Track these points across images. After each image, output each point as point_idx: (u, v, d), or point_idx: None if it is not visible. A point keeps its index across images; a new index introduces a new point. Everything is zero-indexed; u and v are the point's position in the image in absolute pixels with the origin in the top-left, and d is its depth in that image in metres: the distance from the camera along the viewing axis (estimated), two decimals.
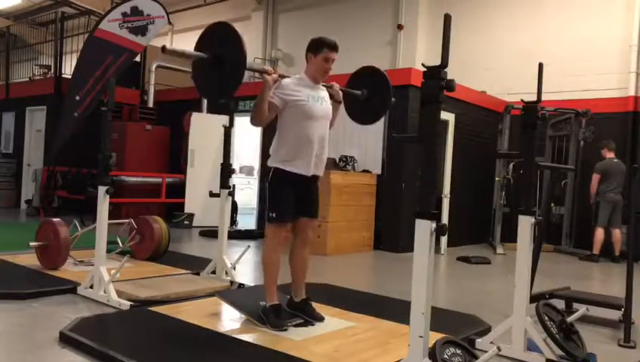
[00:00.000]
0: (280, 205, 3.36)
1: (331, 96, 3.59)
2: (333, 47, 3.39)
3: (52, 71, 11.11)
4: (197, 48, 3.13)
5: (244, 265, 5.61)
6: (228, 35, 3.06)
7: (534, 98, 3.34)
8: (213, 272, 4.81)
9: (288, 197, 3.37)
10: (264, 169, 8.96)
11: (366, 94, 3.80)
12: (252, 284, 4.65)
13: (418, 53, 10.63)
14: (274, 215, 3.36)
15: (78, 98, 8.97)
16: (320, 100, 3.44)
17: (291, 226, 3.48)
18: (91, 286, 4.05)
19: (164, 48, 2.95)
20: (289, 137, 3.37)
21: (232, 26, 3.10)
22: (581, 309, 3.43)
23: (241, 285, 4.61)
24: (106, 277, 3.93)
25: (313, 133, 3.37)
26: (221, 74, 3.05)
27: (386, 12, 11.25)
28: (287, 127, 3.39)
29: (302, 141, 3.35)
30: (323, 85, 3.54)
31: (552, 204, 8.29)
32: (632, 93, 8.52)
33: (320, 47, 3.39)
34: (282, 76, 3.39)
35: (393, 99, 3.75)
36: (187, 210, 9.27)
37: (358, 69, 3.97)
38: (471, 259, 7.09)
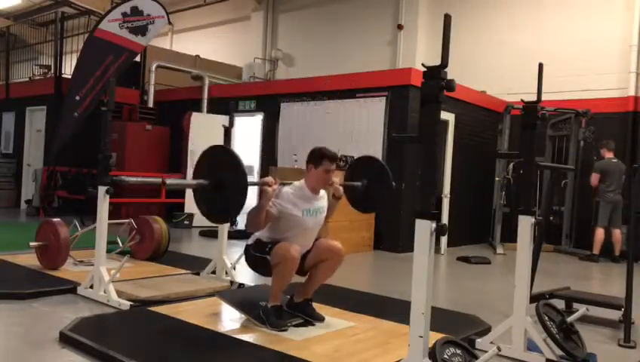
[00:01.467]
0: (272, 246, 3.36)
1: (332, 194, 3.62)
2: (333, 159, 3.44)
3: (52, 71, 11.11)
4: (196, 174, 3.16)
5: (244, 265, 5.58)
6: (228, 159, 3.08)
7: (534, 98, 3.34)
8: (213, 272, 4.81)
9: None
10: (264, 169, 9.02)
11: (366, 184, 3.87)
12: (252, 284, 4.65)
13: (418, 53, 10.63)
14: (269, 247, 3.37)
15: (78, 98, 8.98)
16: (314, 213, 3.47)
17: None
18: (91, 286, 4.05)
19: (163, 183, 3.04)
20: (278, 234, 3.41)
21: (229, 148, 3.19)
22: (581, 309, 3.43)
23: (241, 285, 4.61)
24: (106, 277, 3.93)
25: (302, 238, 3.43)
26: (223, 197, 3.05)
27: (386, 12, 11.25)
28: (279, 226, 3.40)
29: (290, 240, 3.37)
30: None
31: (551, 217, 8.30)
32: (632, 93, 8.52)
33: (321, 160, 3.42)
34: (283, 184, 3.41)
35: (394, 184, 3.82)
36: (187, 210, 9.27)
37: (356, 159, 4.15)
38: (471, 259, 7.09)
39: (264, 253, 3.36)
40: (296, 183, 3.48)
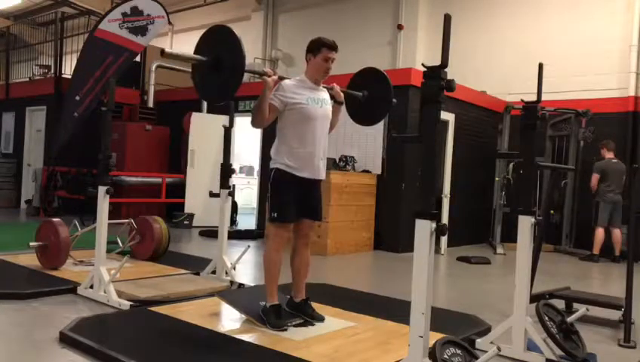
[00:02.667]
0: (282, 206, 3.36)
1: (332, 98, 3.60)
2: (332, 47, 3.41)
3: (52, 71, 11.11)
4: (196, 51, 3.14)
5: (244, 265, 5.61)
6: (227, 38, 3.07)
7: (534, 98, 3.34)
8: (214, 272, 4.81)
9: (290, 199, 3.38)
10: (264, 169, 9.02)
11: (367, 95, 3.80)
12: (252, 284, 4.65)
13: (418, 53, 10.63)
14: (275, 215, 3.36)
15: (78, 98, 8.97)
16: (320, 102, 3.45)
17: (293, 227, 3.48)
18: (91, 286, 4.05)
19: (162, 52, 2.95)
20: (289, 139, 3.39)
21: (230, 28, 3.10)
22: (581, 309, 3.43)
23: (241, 285, 4.61)
24: (106, 277, 3.93)
25: (313, 134, 3.38)
26: (221, 76, 3.05)
27: (386, 12, 11.25)
28: (287, 128, 3.40)
29: (302, 143, 3.36)
30: (324, 86, 3.55)
31: (552, 212, 8.29)
32: (632, 93, 8.51)
33: (319, 48, 3.41)
34: (282, 78, 3.39)
35: (395, 100, 3.76)
36: (187, 210, 9.27)
37: (359, 70, 3.97)
38: (471, 259, 7.09)
39: (270, 215, 3.38)
40: (296, 77, 3.48)
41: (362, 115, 3.91)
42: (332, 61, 3.43)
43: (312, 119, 3.38)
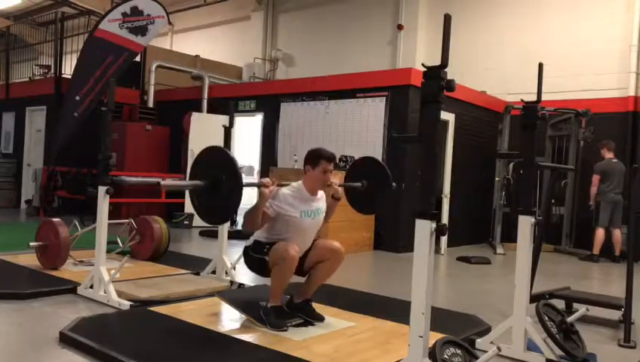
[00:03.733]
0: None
1: (332, 195, 3.62)
2: (331, 160, 3.44)
3: (52, 71, 11.11)
4: (192, 175, 3.17)
5: (244, 265, 5.59)
6: (221, 159, 3.09)
7: (534, 98, 3.34)
8: (214, 272, 4.82)
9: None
10: (264, 169, 9.02)
11: (366, 185, 3.86)
12: (252, 284, 4.65)
13: (418, 53, 10.63)
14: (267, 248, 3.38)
15: (78, 98, 8.97)
16: (313, 214, 3.47)
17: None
18: (91, 286, 4.05)
19: (158, 184, 3.09)
20: (276, 231, 3.41)
21: (223, 149, 3.18)
22: (581, 309, 3.43)
23: (241, 285, 4.61)
24: (106, 277, 3.93)
25: (298, 241, 3.40)
26: (220, 197, 3.05)
27: (386, 12, 11.25)
28: (277, 226, 3.41)
29: (287, 239, 3.37)
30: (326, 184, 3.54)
31: (553, 202, 8.27)
32: (632, 93, 8.51)
33: (318, 161, 3.42)
34: (280, 185, 3.41)
35: (394, 184, 3.81)
36: (187, 210, 9.27)
37: (356, 160, 4.16)
38: (471, 259, 7.09)
39: (262, 254, 3.36)
40: (294, 184, 3.48)
41: (363, 203, 3.98)
42: (331, 172, 3.45)
43: (303, 230, 3.43)
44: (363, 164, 4.02)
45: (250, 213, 3.29)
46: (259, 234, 3.46)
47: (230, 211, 3.10)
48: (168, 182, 3.04)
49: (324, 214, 3.59)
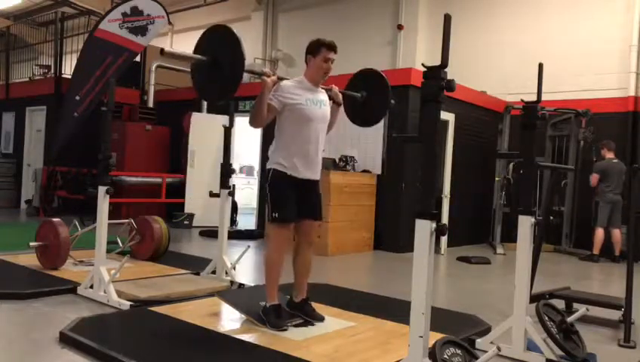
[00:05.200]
0: (281, 205, 3.36)
1: (331, 99, 3.60)
2: (332, 47, 3.41)
3: (52, 71, 11.11)
4: (196, 50, 3.13)
5: (244, 265, 5.61)
6: (227, 38, 3.06)
7: (534, 98, 3.34)
8: (214, 272, 4.81)
9: (289, 198, 3.38)
10: (264, 169, 9.01)
11: (365, 96, 3.80)
12: (252, 284, 4.65)
13: (418, 53, 10.62)
14: (276, 215, 3.36)
15: (78, 98, 8.97)
16: (319, 103, 3.45)
17: (294, 227, 3.48)
18: (91, 286, 4.05)
19: (162, 51, 2.95)
20: (287, 139, 3.40)
21: (230, 28, 3.10)
22: (581, 309, 3.43)
23: (241, 285, 4.61)
24: (106, 277, 3.93)
25: (310, 135, 3.39)
26: (220, 76, 3.05)
27: (386, 12, 11.25)
28: (285, 129, 3.41)
29: (299, 143, 3.37)
30: (322, 88, 3.55)
31: (552, 218, 8.29)
32: (632, 93, 8.51)
33: (318, 48, 3.41)
34: (281, 78, 3.40)
35: (393, 101, 3.76)
36: (187, 210, 9.27)
37: (357, 71, 3.98)
38: (471, 259, 7.09)
39: (271, 215, 3.37)
40: (295, 78, 3.48)
41: (361, 116, 3.91)
42: (332, 62, 3.43)
43: (311, 120, 3.38)
44: (363, 75, 3.93)
45: (255, 107, 3.27)
46: (275, 155, 3.43)
47: (228, 90, 3.07)
48: (172, 50, 3.04)
49: (329, 108, 3.55)
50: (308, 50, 3.45)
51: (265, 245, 3.38)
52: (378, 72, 3.88)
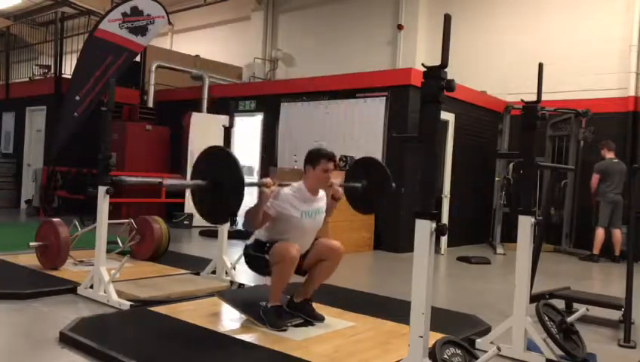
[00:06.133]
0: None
1: (332, 195, 3.62)
2: (330, 159, 3.43)
3: (52, 71, 11.11)
4: (194, 174, 3.17)
5: (244, 265, 5.59)
6: (223, 159, 3.08)
7: (534, 98, 3.34)
8: (214, 272, 4.81)
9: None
10: (264, 169, 9.03)
11: (365, 185, 3.86)
12: (252, 284, 4.65)
13: (418, 53, 10.63)
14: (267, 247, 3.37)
15: (78, 98, 8.97)
16: (314, 214, 3.47)
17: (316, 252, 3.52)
18: (91, 286, 4.05)
19: (161, 183, 3.04)
20: (277, 231, 3.41)
21: (226, 149, 3.18)
22: (581, 309, 3.43)
23: (241, 285, 4.61)
24: (106, 277, 3.93)
25: (299, 241, 3.41)
26: (221, 197, 3.05)
27: (386, 12, 11.25)
28: (278, 226, 3.41)
29: (288, 239, 3.38)
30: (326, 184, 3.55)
31: (552, 212, 8.29)
32: (632, 93, 8.51)
33: (318, 160, 3.41)
34: (281, 185, 3.41)
35: (394, 185, 3.81)
36: (187, 210, 9.27)
37: (356, 160, 4.13)
38: (471, 259, 7.09)
39: (262, 253, 3.36)
40: (294, 184, 3.48)
41: (362, 203, 3.97)
42: (331, 171, 3.44)
43: (303, 230, 3.43)
44: (363, 163, 4.02)
45: (251, 213, 3.29)
46: (260, 233, 3.47)
47: (231, 211, 3.09)
48: (170, 181, 3.03)
49: (324, 214, 3.59)
50: (307, 160, 3.46)
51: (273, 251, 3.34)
52: (376, 159, 4.05)
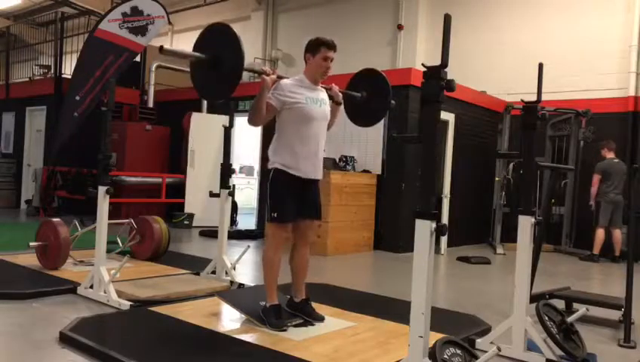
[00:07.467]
0: (281, 205, 3.36)
1: (331, 98, 3.60)
2: (331, 46, 3.40)
3: (52, 71, 11.11)
4: (195, 49, 3.12)
5: (244, 265, 5.61)
6: (226, 36, 3.05)
7: (534, 98, 3.34)
8: (213, 272, 4.81)
9: (289, 198, 3.38)
10: (264, 170, 9.02)
11: (365, 96, 3.80)
12: (252, 284, 4.65)
13: (418, 53, 10.63)
14: (275, 215, 3.36)
15: (78, 98, 8.97)
16: (319, 102, 3.44)
17: (292, 227, 3.48)
18: (91, 286, 4.05)
19: (161, 48, 2.94)
20: (288, 138, 3.39)
21: (230, 26, 3.09)
22: (581, 309, 3.43)
23: (241, 285, 4.61)
24: (106, 277, 3.93)
25: (310, 135, 3.38)
26: (219, 74, 3.04)
27: (386, 12, 11.25)
28: (285, 128, 3.40)
29: (301, 142, 3.36)
30: (322, 87, 3.54)
31: (553, 201, 8.26)
32: (632, 93, 8.51)
33: (318, 47, 3.40)
34: (281, 77, 3.39)
35: (393, 102, 3.76)
36: (187, 210, 9.27)
37: (358, 71, 3.97)
38: (471, 259, 7.09)
39: (270, 215, 3.37)
40: (295, 76, 3.47)
41: (361, 115, 3.92)
42: (331, 60, 3.42)
43: (311, 119, 3.37)
44: (364, 75, 3.92)
45: (254, 106, 3.26)
46: (276, 155, 3.41)
47: (228, 89, 3.05)
48: (171, 48, 3.03)
49: (328, 107, 3.53)
50: (307, 48, 3.44)
51: (264, 245, 3.36)
52: (379, 71, 3.88)
